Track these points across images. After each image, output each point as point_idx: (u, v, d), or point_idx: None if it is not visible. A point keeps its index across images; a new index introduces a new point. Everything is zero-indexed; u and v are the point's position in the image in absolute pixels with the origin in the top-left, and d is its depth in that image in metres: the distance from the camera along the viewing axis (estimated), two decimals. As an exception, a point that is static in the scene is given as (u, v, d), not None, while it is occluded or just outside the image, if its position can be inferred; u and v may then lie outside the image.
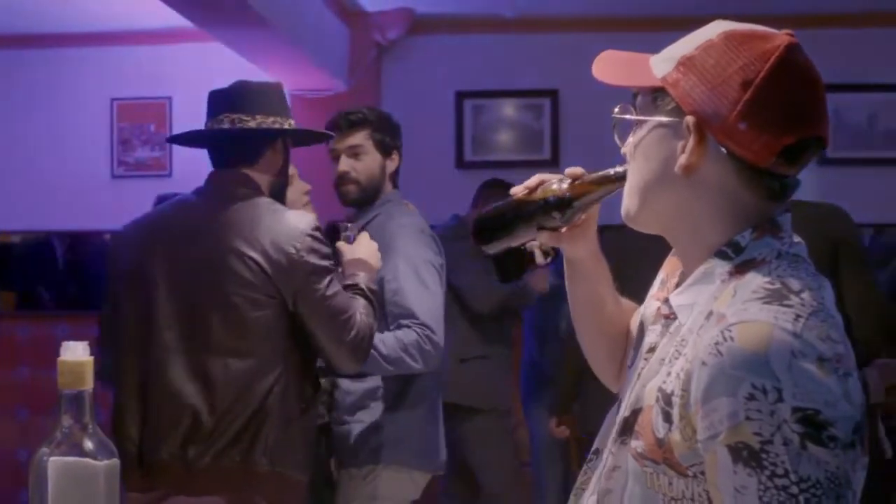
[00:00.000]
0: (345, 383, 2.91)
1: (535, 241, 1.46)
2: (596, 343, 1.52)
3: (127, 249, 2.48)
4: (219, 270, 2.33)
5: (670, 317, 1.22)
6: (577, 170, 1.38)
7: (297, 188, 2.93)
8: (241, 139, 2.51)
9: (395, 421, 2.90)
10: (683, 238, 1.25)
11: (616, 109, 1.28)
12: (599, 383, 1.55)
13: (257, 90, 2.53)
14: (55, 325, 5.26)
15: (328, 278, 2.39)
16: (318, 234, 2.41)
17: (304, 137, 2.72)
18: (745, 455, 1.05)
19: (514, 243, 1.45)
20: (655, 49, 1.27)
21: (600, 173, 1.35)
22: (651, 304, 1.32)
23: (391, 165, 3.05)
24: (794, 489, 1.03)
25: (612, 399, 1.38)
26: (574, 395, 3.77)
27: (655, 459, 1.17)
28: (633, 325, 1.40)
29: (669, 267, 1.33)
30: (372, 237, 2.88)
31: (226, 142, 2.53)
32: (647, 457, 1.18)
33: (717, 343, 1.08)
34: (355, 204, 3.05)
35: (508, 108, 5.41)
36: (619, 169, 1.31)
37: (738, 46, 1.16)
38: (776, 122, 1.14)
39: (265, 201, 2.44)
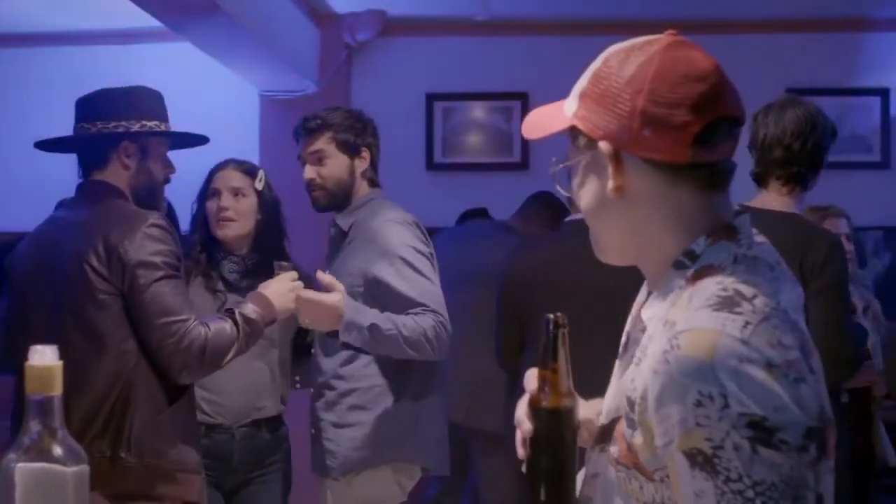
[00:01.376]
0: (341, 385, 2.90)
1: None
2: None
3: (15, 265, 2.57)
4: (67, 277, 2.39)
5: (643, 330, 1.24)
6: (531, 379, 1.30)
7: (214, 204, 3.03)
8: (89, 147, 2.56)
9: (381, 423, 2.87)
10: (643, 257, 1.27)
11: (552, 160, 1.32)
12: None
13: (102, 97, 2.57)
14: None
15: (158, 275, 2.38)
16: (154, 231, 2.41)
17: (181, 139, 2.72)
18: (699, 460, 1.06)
19: (576, 467, 1.27)
20: None
21: (541, 343, 1.27)
22: (634, 314, 1.34)
23: (361, 164, 2.99)
24: (750, 493, 1.04)
25: None
26: None
27: (627, 464, 1.19)
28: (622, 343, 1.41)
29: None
30: (357, 240, 2.88)
31: (77, 151, 2.62)
32: (620, 462, 1.20)
33: (665, 351, 1.10)
34: (328, 209, 3.02)
35: (478, 111, 5.41)
36: (549, 317, 1.27)
37: (622, 63, 1.21)
38: (675, 117, 1.17)
39: (116, 204, 2.49)
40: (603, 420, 1.27)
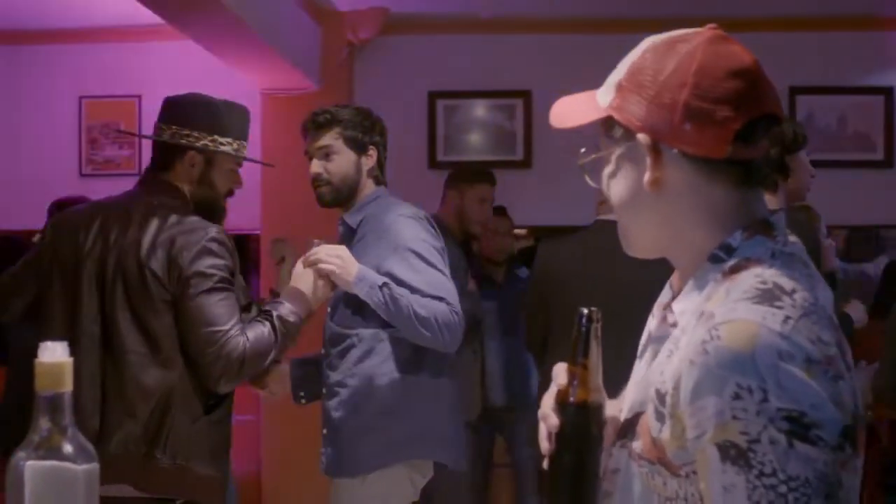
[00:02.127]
0: (353, 383, 2.88)
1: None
2: None
3: (66, 239, 2.59)
4: (128, 277, 2.49)
5: (674, 324, 1.22)
6: (560, 373, 1.25)
7: None
8: (159, 147, 2.68)
9: (395, 420, 2.85)
10: (677, 251, 1.26)
11: (581, 152, 1.31)
12: None
13: (186, 103, 2.68)
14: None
15: (207, 285, 2.47)
16: (213, 245, 2.50)
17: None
18: (732, 454, 1.04)
19: (600, 464, 1.24)
20: (625, 51, 1.29)
21: (573, 337, 1.23)
22: (657, 313, 1.32)
23: (368, 162, 2.99)
24: (783, 488, 1.02)
25: None
26: None
27: (651, 459, 1.17)
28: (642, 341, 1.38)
29: (676, 280, 1.32)
30: (368, 237, 2.89)
31: (153, 147, 2.71)
32: (643, 457, 1.19)
33: (704, 342, 1.08)
34: (333, 205, 3.02)
35: (481, 109, 5.39)
36: (583, 311, 1.22)
37: (663, 55, 1.19)
38: (718, 113, 1.16)
39: (179, 211, 2.58)
40: (626, 415, 1.25)
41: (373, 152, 3.00)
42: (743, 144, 1.17)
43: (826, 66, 5.30)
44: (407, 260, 2.80)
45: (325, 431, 2.96)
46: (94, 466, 1.10)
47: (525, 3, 5.10)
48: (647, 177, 1.20)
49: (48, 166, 5.44)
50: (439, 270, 2.84)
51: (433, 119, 5.37)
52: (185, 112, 2.65)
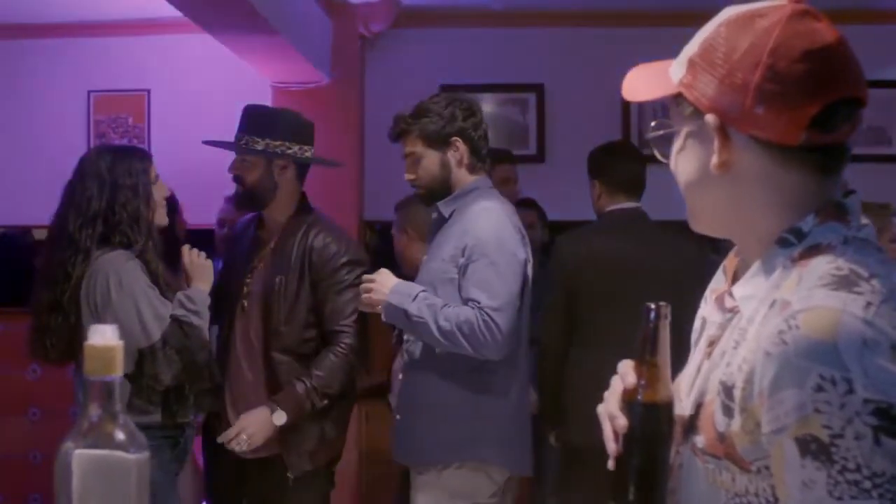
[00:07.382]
0: (414, 375, 2.90)
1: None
2: None
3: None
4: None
5: (734, 310, 1.17)
6: (628, 371, 1.20)
7: (163, 191, 3.00)
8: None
9: (468, 415, 2.82)
10: (742, 233, 1.21)
11: (652, 125, 1.26)
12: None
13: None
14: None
15: None
16: None
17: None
18: (813, 448, 0.99)
19: (668, 464, 1.20)
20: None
21: (640, 334, 1.18)
22: (710, 299, 1.27)
23: (455, 154, 2.91)
24: (867, 484, 0.98)
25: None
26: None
27: (717, 455, 1.12)
28: (695, 328, 1.33)
29: (729, 263, 1.27)
30: (455, 227, 2.88)
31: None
32: (707, 452, 1.13)
33: (781, 332, 1.03)
34: (432, 203, 2.97)
35: (494, 103, 5.33)
36: (651, 307, 1.17)
37: (739, 31, 1.13)
38: (793, 96, 1.09)
39: None
40: (689, 410, 1.20)
41: (458, 143, 2.90)
42: (820, 130, 1.10)
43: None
44: (470, 257, 2.77)
45: (397, 417, 3.00)
46: (146, 455, 1.06)
47: (538, -5, 5.06)
48: (713, 159, 1.14)
49: (57, 161, 5.38)
50: (496, 270, 2.75)
51: (445, 113, 5.30)
52: None
